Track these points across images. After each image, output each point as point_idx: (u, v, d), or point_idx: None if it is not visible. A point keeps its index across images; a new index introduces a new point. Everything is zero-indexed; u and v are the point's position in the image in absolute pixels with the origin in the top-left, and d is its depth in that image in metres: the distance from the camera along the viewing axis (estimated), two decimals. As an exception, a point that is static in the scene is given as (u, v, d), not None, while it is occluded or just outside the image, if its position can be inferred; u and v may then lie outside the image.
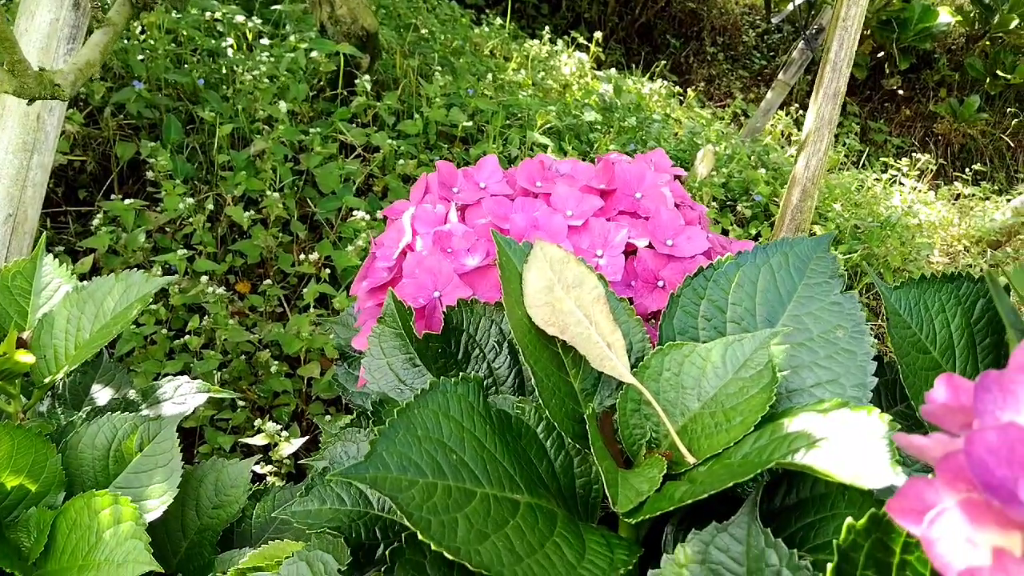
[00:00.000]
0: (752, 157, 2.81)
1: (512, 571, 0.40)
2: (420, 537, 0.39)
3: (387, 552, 0.43)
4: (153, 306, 1.54)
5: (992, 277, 0.51)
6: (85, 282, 1.08)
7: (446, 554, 0.39)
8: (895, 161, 3.70)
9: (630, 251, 0.64)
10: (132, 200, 1.70)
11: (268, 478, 1.20)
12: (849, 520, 0.35)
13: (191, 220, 1.68)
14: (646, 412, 0.54)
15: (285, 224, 1.90)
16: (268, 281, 1.66)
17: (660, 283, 0.62)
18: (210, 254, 1.71)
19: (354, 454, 0.59)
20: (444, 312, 0.56)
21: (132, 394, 1.10)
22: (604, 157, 0.70)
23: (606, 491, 0.48)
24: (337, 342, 0.83)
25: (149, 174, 1.78)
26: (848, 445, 0.43)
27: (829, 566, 0.34)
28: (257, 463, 1.19)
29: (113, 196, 1.84)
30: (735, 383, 0.53)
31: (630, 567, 0.45)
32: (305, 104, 2.19)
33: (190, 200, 1.64)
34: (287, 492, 1.10)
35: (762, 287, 0.59)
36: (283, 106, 1.87)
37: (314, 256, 1.63)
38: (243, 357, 1.54)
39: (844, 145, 3.79)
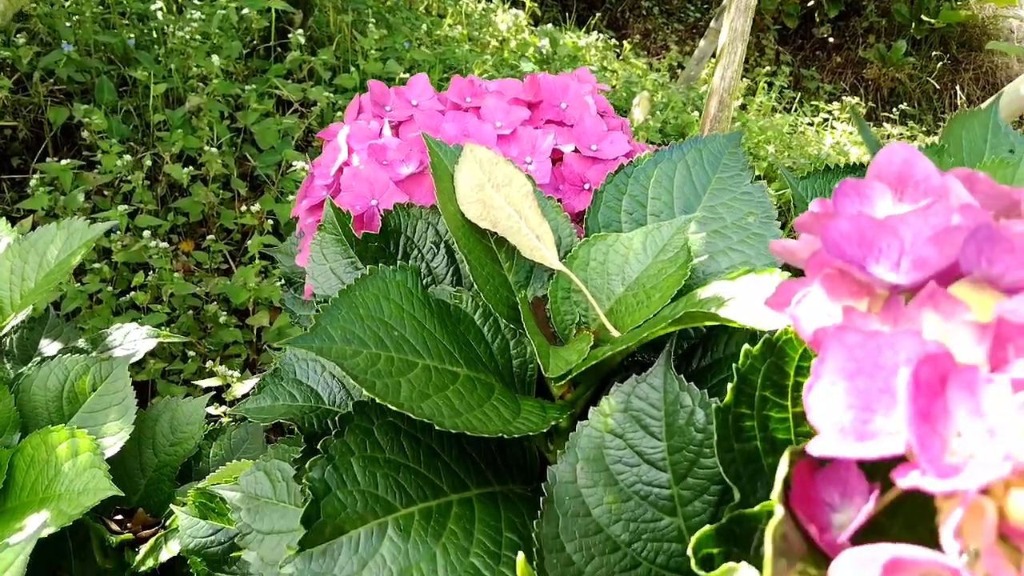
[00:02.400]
0: (687, 104, 2.87)
1: (453, 423, 0.44)
2: (365, 393, 0.43)
3: (337, 419, 0.46)
4: (96, 264, 1.53)
5: (855, 111, 0.56)
6: (27, 233, 1.09)
7: (391, 406, 0.43)
8: (826, 105, 3.80)
9: (557, 158, 0.67)
10: (69, 161, 1.68)
11: (223, 419, 1.22)
12: (746, 346, 0.39)
13: (130, 179, 1.67)
14: (575, 299, 0.58)
15: (226, 182, 1.89)
16: (211, 237, 1.66)
17: (586, 185, 0.66)
18: (151, 211, 1.70)
19: (303, 355, 0.62)
20: (382, 216, 0.60)
21: (81, 343, 1.11)
22: (531, 75, 0.73)
23: (539, 362, 0.52)
24: (282, 270, 0.86)
25: (84, 134, 1.76)
26: (752, 298, 0.48)
27: (729, 386, 0.39)
28: (210, 404, 1.21)
29: (48, 160, 1.82)
30: (655, 266, 0.58)
31: (562, 421, 0.49)
32: (239, 63, 2.17)
33: (128, 158, 1.63)
34: (242, 430, 1.12)
35: (679, 181, 0.63)
36: (216, 60, 1.86)
37: (256, 207, 1.64)
38: (191, 312, 1.55)
39: (779, 93, 3.87)
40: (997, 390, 0.20)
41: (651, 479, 0.46)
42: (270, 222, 1.67)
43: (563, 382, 0.54)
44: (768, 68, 4.03)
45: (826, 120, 3.60)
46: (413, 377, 0.46)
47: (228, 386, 1.21)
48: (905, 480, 0.20)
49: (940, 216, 0.27)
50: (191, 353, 1.42)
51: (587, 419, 0.48)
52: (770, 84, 3.82)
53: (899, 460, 0.22)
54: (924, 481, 0.20)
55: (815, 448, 0.22)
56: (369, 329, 0.47)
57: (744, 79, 3.89)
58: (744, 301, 0.48)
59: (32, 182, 1.62)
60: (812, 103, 3.88)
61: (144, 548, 0.92)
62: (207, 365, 1.22)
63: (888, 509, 0.25)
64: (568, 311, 0.58)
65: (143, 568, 0.90)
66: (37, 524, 0.76)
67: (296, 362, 0.62)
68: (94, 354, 1.06)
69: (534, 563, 0.45)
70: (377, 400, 0.43)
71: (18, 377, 0.99)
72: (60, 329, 1.23)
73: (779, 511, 0.22)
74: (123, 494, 0.80)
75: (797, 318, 0.29)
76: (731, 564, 0.28)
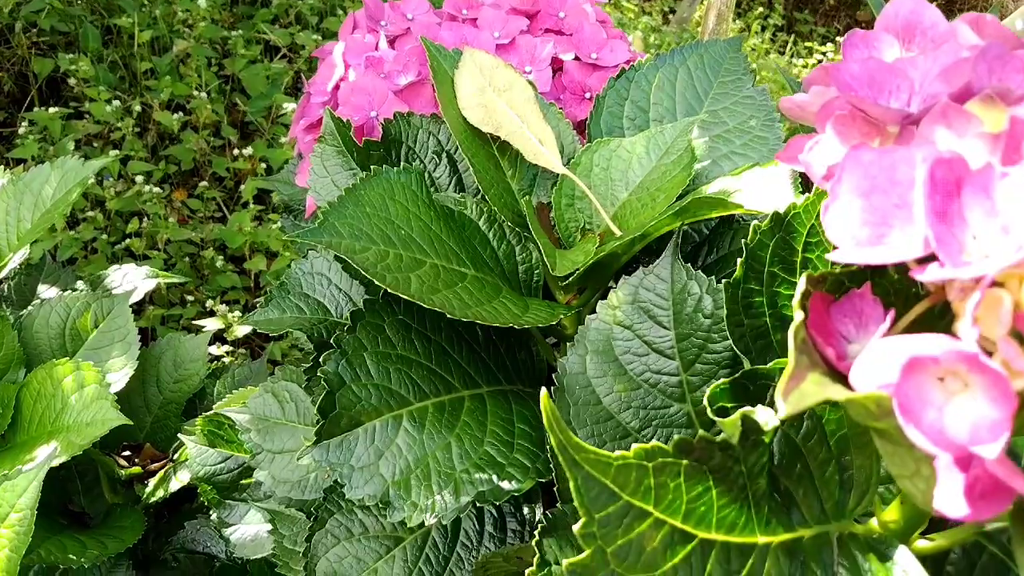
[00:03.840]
0: (680, 45, 2.84)
1: (464, 313, 0.45)
2: (376, 282, 0.43)
3: (349, 314, 0.46)
4: (90, 213, 1.53)
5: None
6: (21, 175, 1.08)
7: (402, 297, 0.43)
8: (820, 46, 3.77)
9: (557, 67, 0.67)
10: (57, 109, 1.66)
11: (225, 359, 1.22)
12: (755, 223, 0.39)
13: (119, 126, 1.66)
14: (579, 206, 0.59)
15: (216, 130, 1.88)
16: (204, 184, 1.65)
17: (587, 94, 0.66)
18: (142, 159, 1.69)
19: (308, 269, 0.62)
20: (382, 126, 0.59)
21: (80, 285, 1.11)
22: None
23: (546, 262, 0.52)
24: (280, 198, 0.86)
25: (71, 82, 1.74)
26: (757, 187, 0.48)
27: (739, 261, 0.39)
28: (212, 344, 1.22)
29: (36, 111, 1.80)
30: (658, 169, 0.58)
31: (570, 314, 0.50)
32: (224, 10, 2.14)
33: (117, 103, 1.61)
34: (246, 368, 1.13)
35: (680, 87, 0.63)
36: (202, 2, 1.83)
37: (248, 151, 1.63)
38: (187, 259, 1.55)
39: (772, 35, 3.83)
40: (1011, 184, 0.20)
41: (660, 367, 0.47)
42: (263, 166, 1.66)
43: (569, 284, 0.55)
44: (761, 10, 3.99)
45: (820, 62, 3.58)
46: (422, 274, 0.47)
47: (229, 327, 1.21)
48: (926, 274, 0.20)
49: (949, 55, 0.28)
50: (190, 298, 1.43)
51: (595, 313, 0.48)
52: (763, 27, 3.78)
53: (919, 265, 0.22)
54: (944, 272, 0.20)
55: (835, 256, 0.22)
56: (376, 227, 0.47)
57: (737, 22, 3.85)
58: (750, 191, 0.48)
59: (21, 130, 1.60)
60: (806, 45, 3.85)
61: (153, 480, 0.93)
62: (207, 306, 1.22)
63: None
64: (572, 217, 0.58)
65: (153, 499, 0.91)
66: (47, 454, 0.77)
67: (302, 276, 0.62)
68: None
69: (547, 448, 0.46)
70: (388, 291, 0.43)
71: (19, 317, 0.99)
72: (57, 275, 1.23)
73: (799, 315, 0.23)
74: (131, 423, 0.81)
75: (809, 163, 0.29)
76: (747, 408, 0.29)
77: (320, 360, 0.45)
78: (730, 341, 0.42)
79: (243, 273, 1.56)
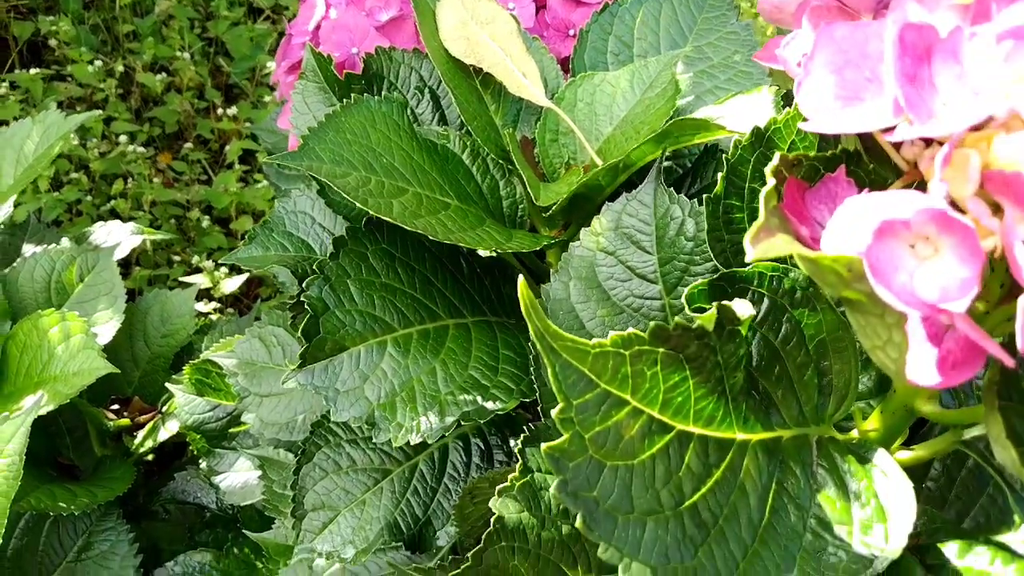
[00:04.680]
0: None
1: (446, 237, 0.45)
2: (358, 206, 0.43)
3: (331, 241, 0.46)
4: (74, 175, 1.51)
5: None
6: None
7: (384, 218, 0.43)
8: None
9: (540, 4, 0.67)
10: (38, 70, 1.64)
11: (212, 316, 1.22)
12: (736, 137, 0.40)
13: (102, 87, 1.64)
14: (563, 141, 0.58)
15: (200, 94, 1.86)
16: (189, 145, 1.64)
17: (571, 31, 0.66)
18: (126, 121, 1.67)
19: (291, 208, 0.62)
20: (363, 60, 0.59)
21: (65, 242, 1.10)
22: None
23: (529, 193, 0.52)
24: (265, 147, 0.85)
25: (52, 43, 1.71)
26: (740, 112, 0.48)
27: (719, 176, 0.39)
28: (199, 301, 1.21)
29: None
30: (643, 103, 0.58)
31: (554, 247, 0.50)
32: (207, -28, 2.11)
33: (99, 63, 1.59)
34: (233, 324, 1.13)
35: (664, 22, 0.63)
36: (184, -38, 1.81)
37: (233, 111, 1.62)
38: (173, 221, 1.54)
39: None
40: (980, 44, 0.21)
41: (643, 292, 0.47)
42: (247, 125, 1.65)
43: (552, 217, 0.55)
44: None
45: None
46: (404, 200, 0.47)
47: (216, 284, 1.21)
48: (896, 134, 0.21)
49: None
50: (176, 259, 1.42)
51: (579, 241, 0.49)
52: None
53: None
54: (913, 130, 0.20)
55: (808, 126, 0.22)
56: (357, 154, 0.47)
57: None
58: (733, 116, 0.48)
59: (1, 91, 1.58)
60: None
61: (142, 432, 0.94)
62: (193, 261, 1.22)
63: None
64: (556, 153, 0.58)
65: (142, 449, 0.91)
66: (33, 402, 0.77)
67: (286, 215, 0.62)
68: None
69: (531, 371, 0.46)
70: (370, 217, 0.43)
71: (3, 274, 0.98)
72: (42, 235, 1.22)
73: (771, 181, 0.23)
74: (118, 371, 0.81)
75: (785, 58, 0.29)
76: (726, 302, 0.29)
77: (303, 284, 0.45)
78: (713, 263, 0.43)
79: (230, 235, 1.55)
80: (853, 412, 0.38)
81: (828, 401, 0.35)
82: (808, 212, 0.26)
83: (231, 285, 1.20)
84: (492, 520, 0.35)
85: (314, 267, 0.46)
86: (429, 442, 0.43)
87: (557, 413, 0.26)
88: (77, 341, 0.83)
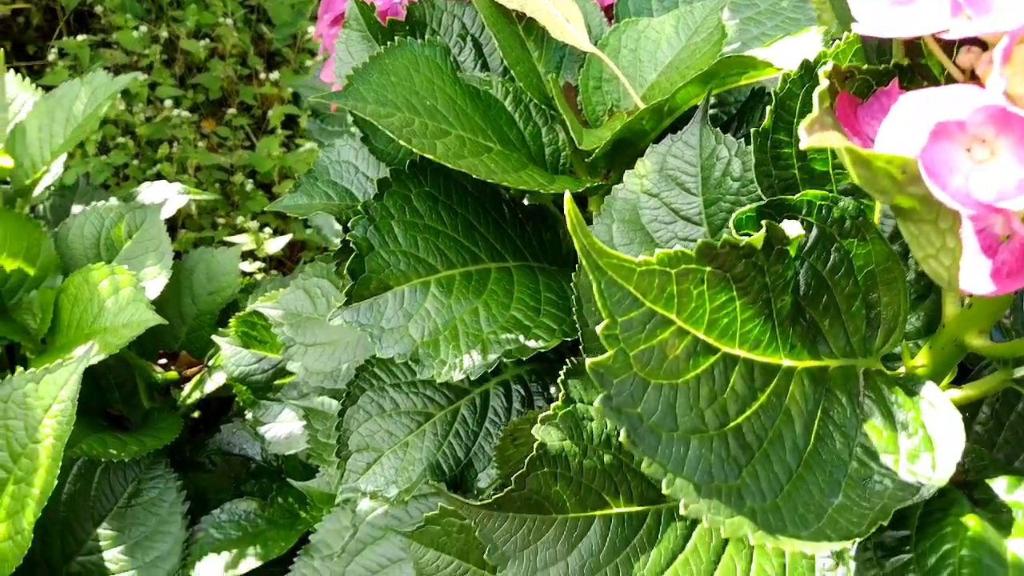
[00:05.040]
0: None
1: (490, 177, 0.45)
2: (403, 144, 0.43)
3: (376, 182, 0.47)
4: (121, 139, 1.54)
5: None
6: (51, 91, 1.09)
7: (428, 156, 0.43)
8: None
9: (583, -48, 0.66)
10: (86, 37, 1.67)
11: (257, 276, 1.24)
12: (785, 71, 0.39)
13: (147, 53, 1.66)
14: (607, 88, 0.58)
15: (243, 61, 1.87)
16: (232, 111, 1.65)
17: (614, -21, 0.65)
18: (171, 87, 1.69)
19: (335, 157, 0.62)
20: (406, 8, 0.59)
21: (113, 200, 1.12)
22: None
23: (572, 137, 0.52)
24: (307, 104, 0.86)
25: (98, 10, 1.74)
26: (789, 52, 0.48)
27: (767, 109, 0.39)
28: (244, 260, 1.23)
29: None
30: (688, 49, 0.57)
31: (594, 184, 0.50)
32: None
33: (144, 29, 1.61)
34: (277, 282, 1.14)
35: (710, -33, 0.62)
36: (227, -72, 1.82)
37: (275, 76, 1.63)
38: (217, 185, 1.56)
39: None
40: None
41: (687, 234, 0.47)
42: (289, 91, 1.66)
43: (595, 162, 0.55)
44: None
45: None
46: (448, 141, 0.47)
47: (260, 245, 1.22)
48: (952, 32, 0.20)
49: None
50: (220, 222, 1.44)
51: (622, 183, 0.48)
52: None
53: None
54: (971, 26, 0.20)
55: (859, 28, 0.22)
56: (401, 95, 0.47)
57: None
58: (781, 55, 0.47)
59: (50, 57, 1.61)
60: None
61: (189, 385, 0.96)
62: (238, 222, 1.24)
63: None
64: (599, 100, 0.58)
65: (189, 401, 0.94)
66: (85, 351, 0.79)
67: (329, 164, 0.62)
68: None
69: (573, 311, 0.46)
70: (414, 158, 0.43)
71: (55, 231, 1.01)
72: (91, 196, 1.24)
73: (824, 82, 0.23)
74: (165, 322, 0.83)
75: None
76: (775, 223, 0.29)
77: (349, 223, 0.45)
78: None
79: (273, 199, 1.57)
80: (901, 349, 0.38)
81: (876, 334, 0.35)
82: (860, 127, 0.26)
83: (275, 246, 1.21)
84: (535, 446, 0.35)
85: (359, 207, 0.46)
86: (472, 378, 0.43)
87: (602, 329, 0.26)
88: (126, 294, 0.85)
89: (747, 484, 0.28)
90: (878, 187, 0.22)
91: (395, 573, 0.63)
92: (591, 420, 0.36)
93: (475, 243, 0.50)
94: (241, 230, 1.24)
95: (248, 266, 1.25)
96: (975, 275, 0.22)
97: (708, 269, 0.28)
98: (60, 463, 0.71)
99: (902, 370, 0.38)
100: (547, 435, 0.36)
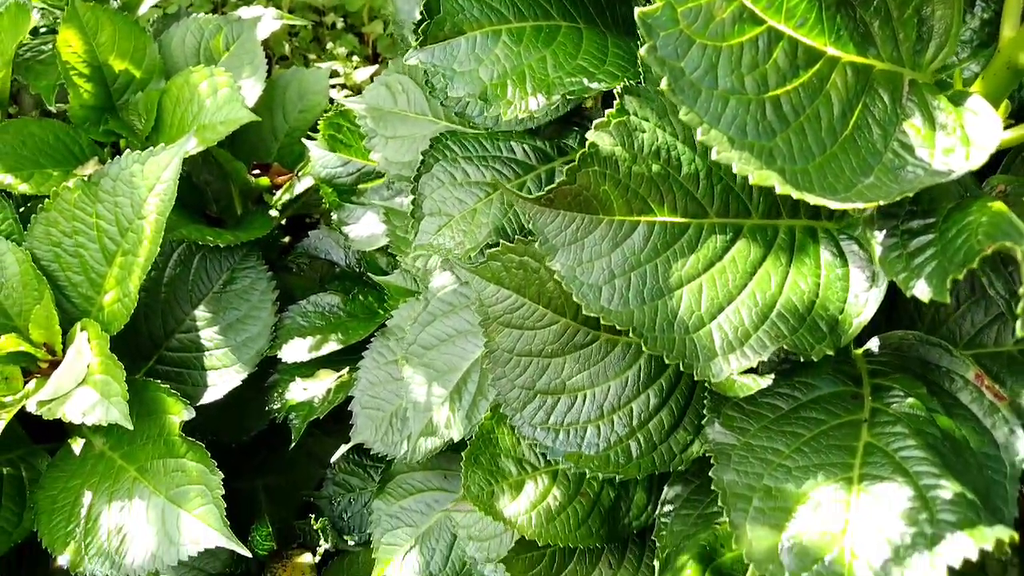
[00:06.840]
0: None
1: None
2: None
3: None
4: (217, -26, 1.57)
5: None
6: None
7: None
8: None
9: None
10: None
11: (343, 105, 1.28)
12: None
13: None
14: None
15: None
16: (325, -50, 1.66)
17: None
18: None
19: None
20: None
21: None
22: None
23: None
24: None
25: None
26: None
27: None
28: (333, 88, 1.27)
29: None
30: None
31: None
32: None
33: None
34: (363, 109, 1.17)
35: None
36: None
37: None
38: (309, 27, 1.59)
39: None
40: None
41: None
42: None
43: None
44: None
45: None
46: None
47: (347, 74, 1.26)
48: None
49: None
50: (312, 56, 1.48)
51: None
52: None
53: None
54: None
55: None
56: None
57: None
58: None
59: None
60: None
61: (280, 190, 1.01)
62: (328, 48, 1.27)
63: None
64: None
65: (280, 202, 0.99)
66: (184, 140, 0.84)
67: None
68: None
69: (639, 63, 0.48)
70: None
71: (158, 39, 1.05)
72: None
73: None
74: (259, 119, 0.87)
75: None
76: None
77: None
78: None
79: (363, 40, 1.59)
80: (953, 76, 0.39)
81: (927, 47, 0.35)
82: None
83: (362, 75, 1.24)
84: (587, 145, 0.38)
85: (437, -47, 0.48)
86: (537, 116, 0.46)
87: (651, -22, 0.28)
88: (224, 94, 0.90)
89: (779, 147, 0.30)
90: None
91: (460, 342, 0.68)
92: (643, 132, 0.38)
93: (548, 1, 0.52)
94: (332, 56, 1.28)
95: (336, 94, 1.29)
96: None
97: (757, -71, 0.29)
98: (161, 237, 0.77)
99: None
100: (599, 139, 0.38)
